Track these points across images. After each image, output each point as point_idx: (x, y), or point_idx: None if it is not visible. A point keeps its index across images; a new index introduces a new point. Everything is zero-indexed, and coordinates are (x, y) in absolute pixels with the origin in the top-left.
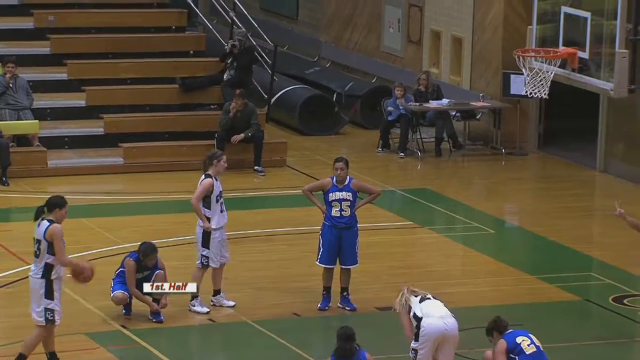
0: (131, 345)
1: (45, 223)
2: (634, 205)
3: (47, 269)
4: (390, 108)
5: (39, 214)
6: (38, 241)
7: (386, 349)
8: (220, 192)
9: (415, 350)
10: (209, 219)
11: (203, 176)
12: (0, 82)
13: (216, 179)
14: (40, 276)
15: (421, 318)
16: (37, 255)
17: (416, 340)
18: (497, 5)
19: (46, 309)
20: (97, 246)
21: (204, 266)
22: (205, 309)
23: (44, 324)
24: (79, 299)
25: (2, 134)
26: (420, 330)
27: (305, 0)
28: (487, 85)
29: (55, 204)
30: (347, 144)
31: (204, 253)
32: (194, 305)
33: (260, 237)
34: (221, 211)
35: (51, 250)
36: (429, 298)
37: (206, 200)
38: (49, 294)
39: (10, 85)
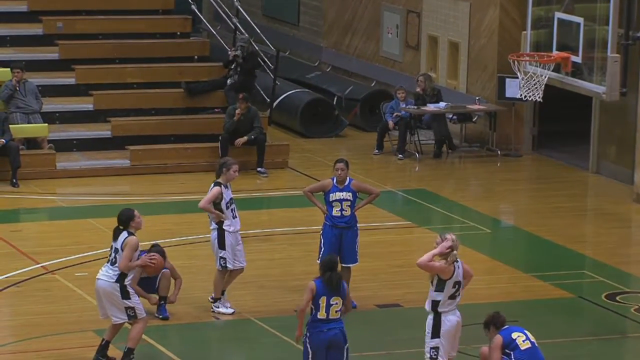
0: None
1: (124, 234)
2: (623, 205)
3: (122, 276)
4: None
5: (117, 234)
6: (116, 250)
7: (386, 345)
8: (231, 199)
9: (436, 348)
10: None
11: (213, 184)
12: (7, 86)
13: (226, 187)
14: (114, 280)
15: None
16: (112, 263)
17: (437, 336)
18: (492, 11)
19: (127, 308)
20: (103, 246)
21: (223, 268)
22: (230, 310)
23: (128, 320)
24: (87, 297)
25: (13, 137)
26: (442, 326)
27: (306, 7)
28: (483, 89)
29: (128, 217)
30: (347, 146)
31: (221, 255)
32: (218, 307)
33: (262, 236)
34: (233, 217)
35: None
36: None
37: (216, 207)
38: (125, 295)
39: (18, 89)
